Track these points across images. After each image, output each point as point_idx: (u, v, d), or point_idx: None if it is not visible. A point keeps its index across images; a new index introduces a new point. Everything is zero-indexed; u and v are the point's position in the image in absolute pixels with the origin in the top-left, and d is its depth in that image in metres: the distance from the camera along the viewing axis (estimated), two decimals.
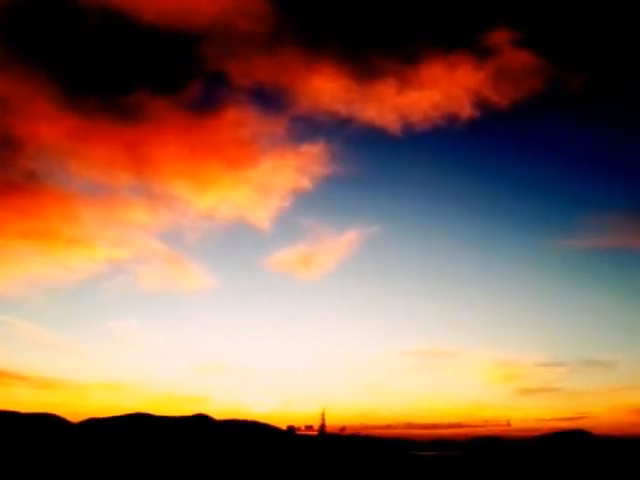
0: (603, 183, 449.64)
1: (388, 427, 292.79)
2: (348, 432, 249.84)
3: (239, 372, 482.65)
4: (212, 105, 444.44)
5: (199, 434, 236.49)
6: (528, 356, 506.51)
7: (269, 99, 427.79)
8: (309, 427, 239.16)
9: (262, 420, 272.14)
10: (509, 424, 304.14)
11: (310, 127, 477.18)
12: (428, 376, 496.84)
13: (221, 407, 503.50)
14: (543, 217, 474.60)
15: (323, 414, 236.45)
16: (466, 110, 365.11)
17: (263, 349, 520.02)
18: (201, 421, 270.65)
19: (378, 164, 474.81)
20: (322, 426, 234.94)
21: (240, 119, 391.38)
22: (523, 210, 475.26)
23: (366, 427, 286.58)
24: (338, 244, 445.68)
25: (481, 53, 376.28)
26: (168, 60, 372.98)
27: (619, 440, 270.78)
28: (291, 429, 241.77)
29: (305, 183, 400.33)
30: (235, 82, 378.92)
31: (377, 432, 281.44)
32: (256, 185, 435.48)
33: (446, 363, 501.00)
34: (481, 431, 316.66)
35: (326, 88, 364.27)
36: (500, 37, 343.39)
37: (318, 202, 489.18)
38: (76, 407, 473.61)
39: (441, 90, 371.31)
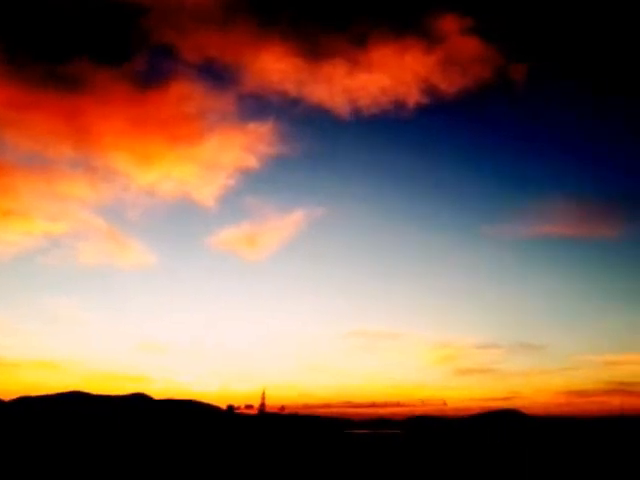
0: (548, 170, 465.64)
1: (328, 406, 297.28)
2: (288, 411, 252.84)
3: (179, 351, 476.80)
4: (158, 78, 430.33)
5: (137, 413, 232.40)
6: (466, 338, 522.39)
7: (217, 75, 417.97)
8: (249, 406, 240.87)
9: (202, 399, 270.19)
10: (445, 404, 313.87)
11: (259, 106, 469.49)
12: (369, 357, 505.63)
13: (160, 386, 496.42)
14: (486, 203, 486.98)
15: (263, 394, 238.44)
16: (414, 96, 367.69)
17: (204, 328, 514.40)
18: (139, 400, 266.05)
19: (326, 146, 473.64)
20: (262, 405, 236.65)
21: (187, 94, 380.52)
22: (467, 195, 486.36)
23: (306, 406, 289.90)
24: (283, 224, 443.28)
25: (430, 39, 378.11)
26: (113, 30, 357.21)
27: (548, 419, 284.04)
28: (231, 408, 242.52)
29: (252, 162, 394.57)
30: (183, 56, 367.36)
31: (317, 411, 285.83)
32: (202, 162, 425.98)
33: (387, 344, 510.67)
34: (418, 410, 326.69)
35: (276, 67, 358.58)
36: (449, 24, 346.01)
37: (264, 182, 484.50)
38: (8, 385, 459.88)
39: (390, 74, 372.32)
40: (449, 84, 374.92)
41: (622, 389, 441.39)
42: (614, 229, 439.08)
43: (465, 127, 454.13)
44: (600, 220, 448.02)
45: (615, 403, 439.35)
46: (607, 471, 42.90)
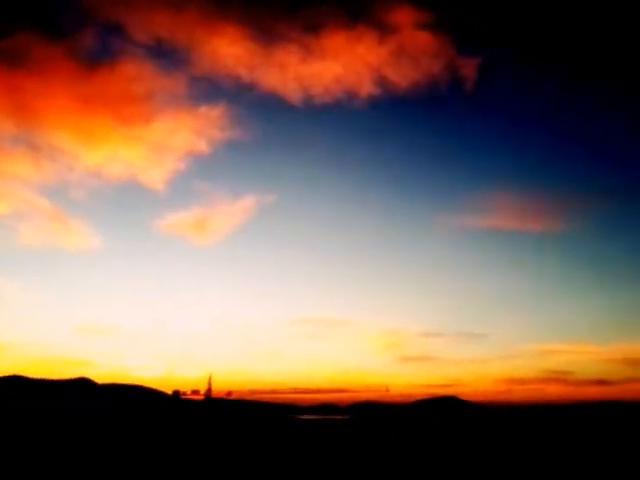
0: (498, 164, 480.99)
1: (274, 392, 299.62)
2: (234, 397, 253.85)
3: (124, 335, 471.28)
4: (106, 57, 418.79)
5: (80, 398, 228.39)
6: (411, 326, 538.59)
7: (168, 56, 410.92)
8: (195, 392, 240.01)
9: (147, 384, 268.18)
10: (388, 390, 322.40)
11: (211, 89, 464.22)
12: (316, 343, 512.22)
13: (104, 371, 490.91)
14: (436, 194, 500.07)
15: (210, 379, 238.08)
16: (366, 87, 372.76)
17: (151, 313, 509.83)
18: (82, 385, 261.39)
19: (278, 132, 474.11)
20: (208, 391, 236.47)
21: (136, 74, 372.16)
22: (417, 186, 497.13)
23: (253, 392, 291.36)
24: (234, 210, 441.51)
25: (383, 30, 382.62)
26: (59, 5, 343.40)
27: (486, 406, 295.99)
28: (177, 393, 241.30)
29: (202, 146, 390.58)
30: (133, 36, 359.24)
31: (263, 397, 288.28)
32: (150, 144, 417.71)
33: (334, 331, 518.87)
34: (363, 396, 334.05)
35: (228, 50, 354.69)
36: (403, 16, 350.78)
37: (215, 166, 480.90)
38: None
39: (343, 63, 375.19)
40: (401, 77, 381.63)
41: (558, 377, 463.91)
42: (558, 223, 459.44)
43: (416, 120, 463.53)
44: (545, 214, 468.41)
45: (551, 391, 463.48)
46: (538, 458, 46.40)
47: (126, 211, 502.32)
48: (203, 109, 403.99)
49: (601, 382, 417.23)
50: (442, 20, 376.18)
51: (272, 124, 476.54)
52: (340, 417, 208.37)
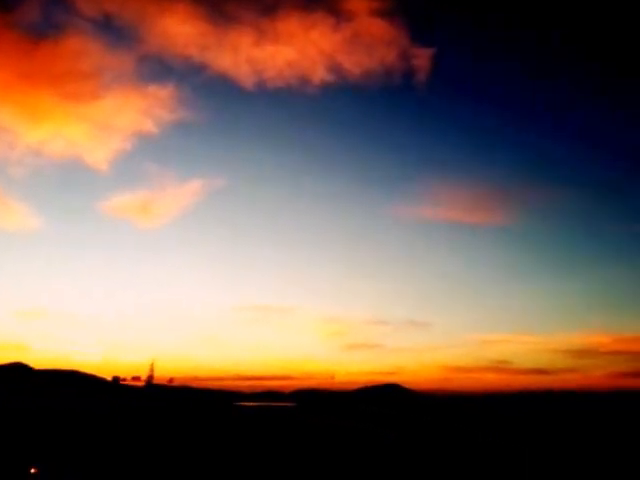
0: (451, 156, 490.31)
1: (218, 379, 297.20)
2: (177, 383, 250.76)
3: (63, 319, 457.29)
4: (51, 31, 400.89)
5: (15, 384, 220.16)
6: (356, 314, 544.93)
7: (116, 33, 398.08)
8: (136, 378, 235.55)
9: (86, 370, 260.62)
10: (333, 377, 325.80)
11: (160, 68, 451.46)
12: (261, 330, 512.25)
13: (41, 355, 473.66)
14: (388, 184, 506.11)
15: (152, 365, 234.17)
16: (319, 73, 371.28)
17: (91, 296, 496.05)
18: (17, 370, 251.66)
19: (229, 116, 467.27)
20: (150, 377, 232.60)
21: (82, 50, 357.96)
22: (369, 175, 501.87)
23: (196, 379, 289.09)
24: (181, 193, 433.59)
25: (338, 16, 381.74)
26: None
27: (429, 394, 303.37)
28: (116, 379, 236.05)
29: (150, 127, 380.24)
30: (80, 9, 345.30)
31: (207, 383, 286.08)
32: (95, 123, 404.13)
33: (280, 318, 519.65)
34: (308, 383, 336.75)
35: (179, 29, 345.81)
36: (358, 3, 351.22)
37: (163, 148, 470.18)
38: None
39: (297, 48, 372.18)
40: (355, 64, 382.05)
41: (498, 366, 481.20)
42: (503, 216, 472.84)
43: (370, 108, 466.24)
44: (492, 207, 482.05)
45: (491, 379, 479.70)
46: (474, 444, 47.74)
47: (69, 191, 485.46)
48: (152, 89, 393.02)
49: (540, 371, 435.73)
50: (398, 9, 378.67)
51: (223, 107, 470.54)
52: (284, 404, 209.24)
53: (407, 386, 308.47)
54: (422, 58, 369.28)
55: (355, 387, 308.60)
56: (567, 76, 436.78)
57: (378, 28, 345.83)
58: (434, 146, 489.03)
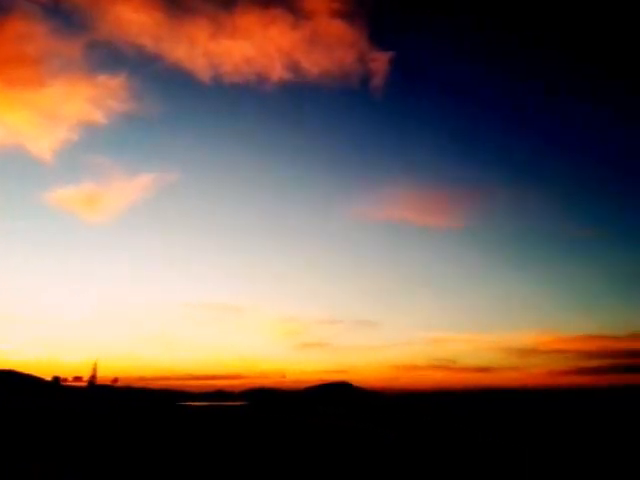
0: (404, 159, 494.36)
1: (166, 378, 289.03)
2: (121, 383, 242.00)
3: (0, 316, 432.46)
4: None
5: None
6: (308, 313, 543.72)
7: (65, 18, 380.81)
8: (78, 378, 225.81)
9: (24, 370, 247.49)
10: (284, 376, 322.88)
11: (111, 57, 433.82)
12: (213, 329, 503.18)
13: None
14: (341, 184, 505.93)
15: (95, 365, 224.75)
16: (277, 71, 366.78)
17: (30, 293, 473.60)
18: None
19: (183, 109, 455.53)
20: (92, 377, 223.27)
21: (28, 33, 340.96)
22: (323, 175, 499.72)
23: (142, 379, 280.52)
24: (130, 187, 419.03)
25: (298, 15, 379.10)
26: None
27: (378, 392, 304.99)
28: (57, 379, 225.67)
29: (99, 117, 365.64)
30: None
31: (153, 383, 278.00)
32: (40, 111, 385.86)
33: (232, 317, 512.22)
34: (258, 382, 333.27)
35: (134, 18, 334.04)
36: (317, 2, 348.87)
37: (112, 140, 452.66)
38: None
39: (255, 44, 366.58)
40: (313, 64, 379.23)
41: (445, 365, 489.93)
42: (455, 219, 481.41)
43: (326, 109, 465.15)
44: (444, 209, 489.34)
45: (438, 377, 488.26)
46: (422, 441, 46.22)
47: (9, 181, 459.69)
48: (102, 78, 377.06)
49: (484, 369, 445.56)
50: (357, 11, 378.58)
51: (177, 100, 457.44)
52: (233, 404, 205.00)
53: (357, 384, 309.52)
54: (380, 62, 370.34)
55: (306, 386, 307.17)
56: (525, 79, 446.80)
57: (337, 29, 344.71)
58: (389, 149, 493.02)
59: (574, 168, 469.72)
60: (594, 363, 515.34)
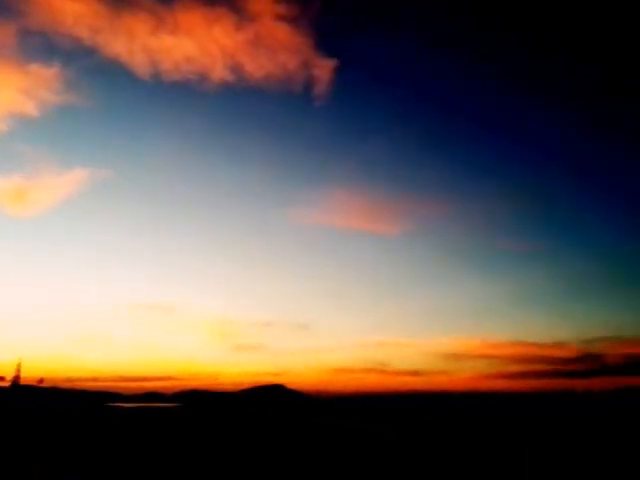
0: (344, 164, 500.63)
1: (95, 379, 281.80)
2: (47, 384, 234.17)
3: None
4: None
5: None
6: (246, 315, 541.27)
7: None
8: (0, 378, 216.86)
9: None
10: (217, 378, 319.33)
11: (45, 46, 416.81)
12: (146, 329, 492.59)
13: None
14: (282, 187, 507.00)
15: (19, 364, 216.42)
16: (219, 71, 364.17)
17: None
18: None
19: (120, 104, 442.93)
20: (16, 377, 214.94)
21: None
22: (264, 178, 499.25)
23: (70, 379, 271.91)
24: (63, 182, 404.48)
25: (242, 16, 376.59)
26: None
27: (312, 395, 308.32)
28: None
29: (30, 108, 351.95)
30: None
31: (82, 384, 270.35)
32: None
33: (166, 317, 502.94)
34: (192, 384, 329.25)
35: (69, 7, 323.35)
36: (262, 5, 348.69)
37: (44, 132, 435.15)
38: None
39: (196, 43, 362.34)
40: (256, 67, 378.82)
41: (378, 368, 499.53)
42: (394, 226, 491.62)
43: (269, 113, 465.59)
44: (384, 217, 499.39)
45: (371, 381, 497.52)
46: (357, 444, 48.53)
47: None
48: (34, 67, 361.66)
49: (414, 373, 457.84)
50: (303, 16, 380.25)
51: (114, 95, 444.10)
52: (165, 405, 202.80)
53: (292, 387, 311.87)
54: (324, 68, 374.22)
55: (240, 388, 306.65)
56: (468, 92, 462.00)
57: (282, 33, 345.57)
58: (331, 155, 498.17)
59: (514, 183, 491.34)
60: (518, 368, 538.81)
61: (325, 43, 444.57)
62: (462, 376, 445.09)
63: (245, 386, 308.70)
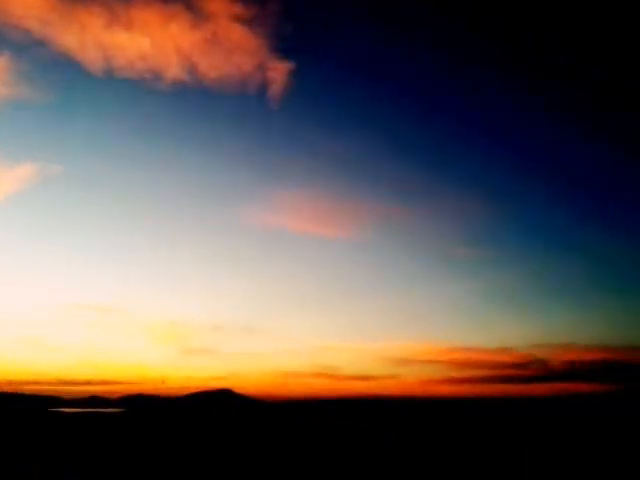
0: (295, 169, 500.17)
1: (36, 383, 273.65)
2: None
3: None
4: None
5: None
6: (194, 318, 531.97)
7: None
8: None
9: None
10: (164, 382, 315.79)
11: None
12: (91, 332, 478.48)
13: None
14: (234, 189, 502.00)
15: None
16: (173, 70, 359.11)
17: None
18: None
19: (71, 99, 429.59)
20: None
21: None
22: (215, 179, 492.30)
23: (11, 383, 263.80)
24: (10, 176, 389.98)
25: (198, 15, 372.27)
26: None
27: (263, 399, 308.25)
28: None
29: None
30: None
31: (21, 388, 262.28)
32: None
33: (111, 320, 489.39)
34: (137, 389, 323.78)
35: None
36: (218, 5, 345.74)
37: None
38: None
39: (151, 40, 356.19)
40: (211, 67, 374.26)
41: (328, 372, 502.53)
42: (346, 232, 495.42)
43: (223, 113, 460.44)
44: (339, 221, 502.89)
45: (321, 385, 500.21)
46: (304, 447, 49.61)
47: None
48: None
49: (364, 378, 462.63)
50: (260, 18, 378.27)
51: (65, 89, 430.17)
52: (109, 410, 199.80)
53: (240, 391, 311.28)
54: (280, 71, 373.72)
55: (187, 392, 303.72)
56: (424, 92, 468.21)
57: (237, 34, 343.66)
58: (285, 158, 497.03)
59: (462, 191, 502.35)
60: (465, 373, 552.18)
61: (282, 46, 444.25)
62: (411, 381, 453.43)
63: (192, 391, 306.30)
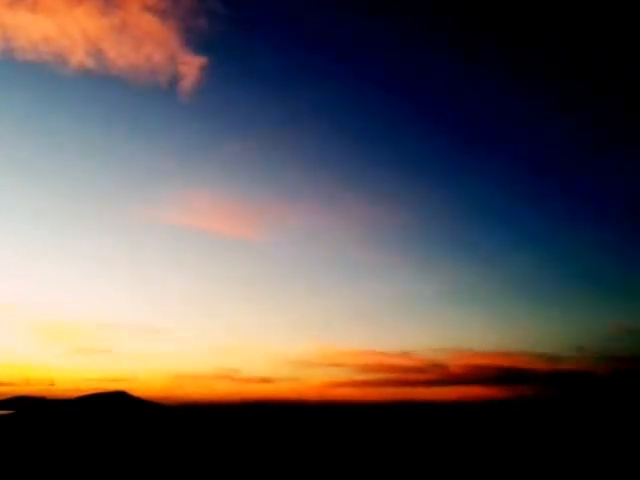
0: (203, 167, 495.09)
1: None
2: None
3: None
4: None
5: None
6: (87, 316, 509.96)
7: None
8: None
9: None
10: (53, 384, 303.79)
11: None
12: None
13: None
14: (139, 185, 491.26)
15: None
16: (79, 56, 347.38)
17: None
18: None
19: None
20: None
21: None
22: (118, 175, 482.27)
23: None
24: None
25: (107, 1, 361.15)
26: None
27: (159, 401, 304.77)
28: None
29: None
30: None
31: None
32: None
33: None
34: (23, 390, 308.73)
35: None
36: None
37: None
38: None
39: (56, 23, 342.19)
40: (119, 55, 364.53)
41: (227, 375, 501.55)
42: (256, 232, 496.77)
43: (130, 104, 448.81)
44: (247, 221, 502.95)
45: (221, 387, 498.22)
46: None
47: None
48: None
49: (265, 380, 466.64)
50: (172, 10, 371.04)
51: None
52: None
53: (135, 393, 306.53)
54: (192, 65, 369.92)
55: (79, 394, 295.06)
56: (344, 87, 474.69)
57: (148, 24, 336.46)
58: (194, 155, 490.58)
59: (370, 198, 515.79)
60: (367, 377, 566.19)
61: (196, 40, 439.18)
62: (312, 384, 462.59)
63: (84, 392, 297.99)
